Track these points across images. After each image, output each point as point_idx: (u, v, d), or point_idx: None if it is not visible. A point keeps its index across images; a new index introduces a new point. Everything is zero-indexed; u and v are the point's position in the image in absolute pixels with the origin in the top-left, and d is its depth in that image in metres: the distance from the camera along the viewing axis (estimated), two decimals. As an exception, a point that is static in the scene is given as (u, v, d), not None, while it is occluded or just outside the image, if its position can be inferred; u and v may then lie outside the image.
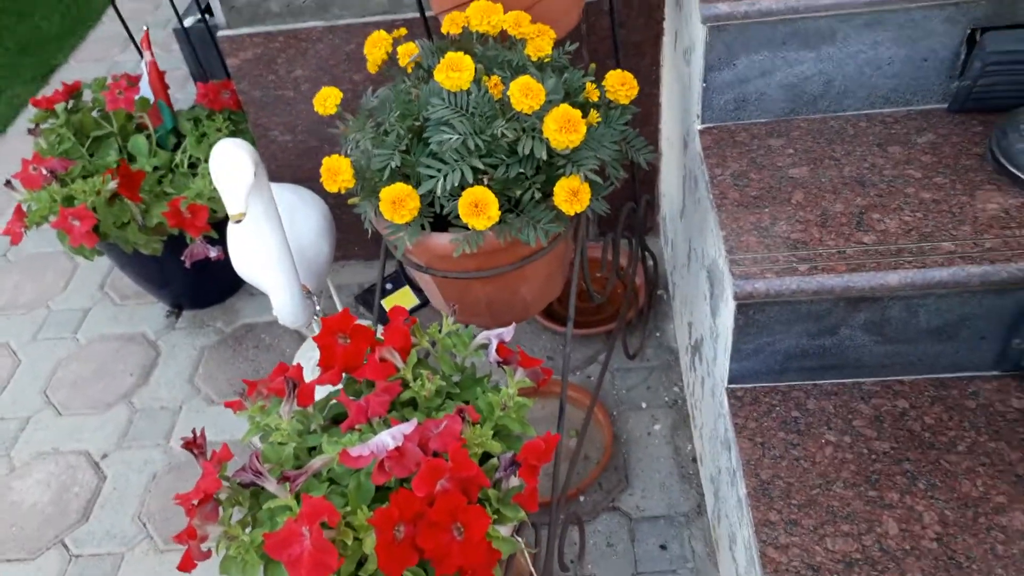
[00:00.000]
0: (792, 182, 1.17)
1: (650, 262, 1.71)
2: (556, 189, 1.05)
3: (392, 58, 1.23)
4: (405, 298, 1.87)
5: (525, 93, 1.01)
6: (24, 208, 1.63)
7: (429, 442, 0.93)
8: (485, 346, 1.12)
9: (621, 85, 1.13)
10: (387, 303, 1.86)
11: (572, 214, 1.07)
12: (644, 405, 1.59)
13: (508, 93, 1.02)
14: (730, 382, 1.17)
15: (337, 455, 0.94)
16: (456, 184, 1.03)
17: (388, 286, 1.88)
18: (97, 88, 1.89)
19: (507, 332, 1.12)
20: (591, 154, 1.07)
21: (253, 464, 0.97)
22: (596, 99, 1.10)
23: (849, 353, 1.12)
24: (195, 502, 0.95)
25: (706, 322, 1.29)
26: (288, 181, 1.86)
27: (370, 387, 1.09)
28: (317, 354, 1.73)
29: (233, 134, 1.85)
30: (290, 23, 1.64)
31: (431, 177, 1.06)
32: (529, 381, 1.08)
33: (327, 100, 1.14)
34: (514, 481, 0.97)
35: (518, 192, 1.09)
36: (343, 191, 1.12)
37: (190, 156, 1.81)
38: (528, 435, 1.07)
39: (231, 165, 1.14)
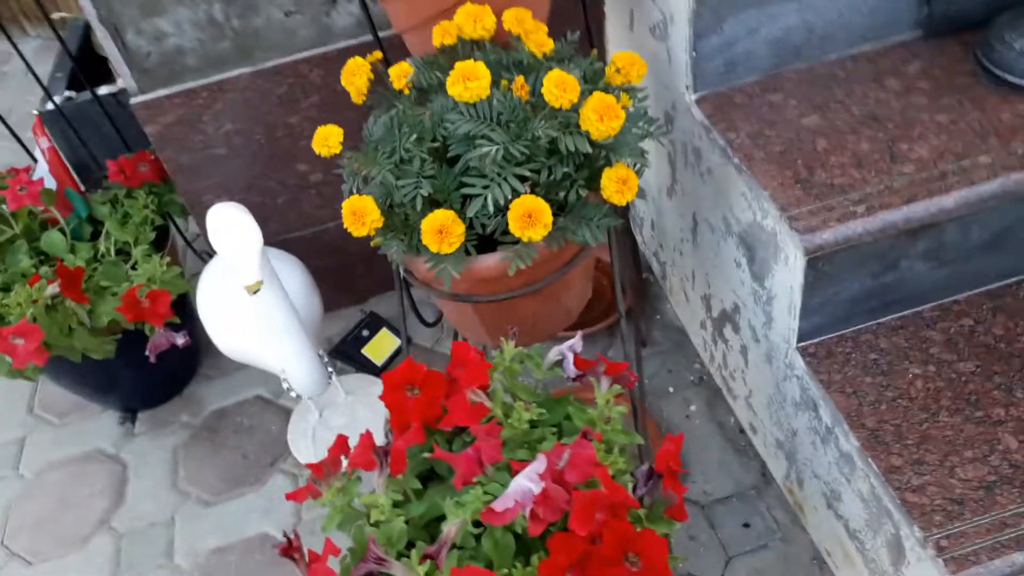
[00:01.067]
0: (810, 132, 1.16)
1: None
2: (605, 181, 1.00)
3: (376, 84, 1.13)
4: (386, 342, 1.75)
5: (561, 87, 0.95)
6: (-57, 340, 1.40)
7: (564, 475, 0.85)
8: (559, 363, 1.04)
9: (631, 65, 1.08)
10: (368, 351, 1.74)
11: (624, 204, 1.01)
12: (671, 389, 1.55)
13: (542, 91, 0.96)
14: (799, 341, 1.15)
15: (467, 517, 0.84)
16: (509, 197, 0.95)
17: (364, 333, 1.76)
18: (-16, 190, 1.66)
19: (576, 342, 1.05)
20: (630, 139, 1.02)
21: (374, 552, 0.85)
22: (619, 83, 1.05)
23: (908, 285, 1.12)
24: (317, 613, 0.83)
25: (743, 289, 1.26)
26: (233, 246, 1.71)
27: (455, 437, 0.99)
28: (312, 419, 1.60)
29: (160, 207, 1.68)
30: (212, 75, 1.49)
31: (475, 196, 0.97)
32: (619, 388, 1.02)
33: (329, 139, 1.03)
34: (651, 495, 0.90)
35: (561, 194, 1.02)
36: (372, 233, 1.01)
37: (115, 242, 1.62)
38: (635, 444, 1.01)
39: (240, 230, 1.02)
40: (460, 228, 0.97)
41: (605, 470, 0.84)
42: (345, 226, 1.01)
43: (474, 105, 0.99)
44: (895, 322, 1.15)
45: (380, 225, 1.00)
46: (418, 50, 1.20)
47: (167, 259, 1.49)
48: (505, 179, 0.96)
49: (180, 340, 1.45)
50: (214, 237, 1.01)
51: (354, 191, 1.10)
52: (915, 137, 1.11)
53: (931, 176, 1.06)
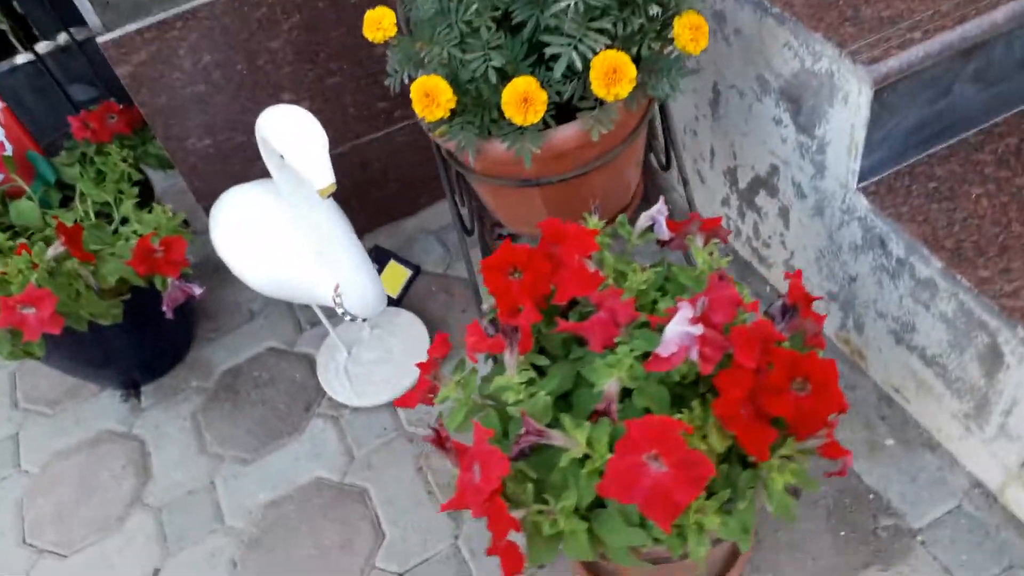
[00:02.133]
0: (839, -27, 1.16)
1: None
2: (678, 29, 0.97)
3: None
4: (397, 272, 1.68)
5: (632, -70, 0.91)
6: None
7: (711, 318, 0.83)
8: (648, 229, 1.02)
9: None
10: (380, 284, 1.67)
11: (698, 52, 0.99)
12: (701, 271, 1.56)
13: (611, -63, 0.92)
14: (860, 181, 1.16)
15: (623, 375, 0.82)
16: (595, 51, 0.91)
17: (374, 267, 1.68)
18: (-69, 166, 1.50)
19: (662, 207, 1.03)
20: (694, -13, 1.00)
21: (531, 425, 0.82)
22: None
23: (957, 111, 1.15)
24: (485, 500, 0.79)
25: (784, 147, 1.26)
26: (220, 189, 1.60)
27: (568, 311, 0.95)
28: (341, 358, 1.53)
29: (138, 160, 1.55)
30: (183, 2, 1.37)
31: (555, 57, 0.93)
32: (717, 242, 1.00)
33: (383, 21, 0.96)
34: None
35: (633, 50, 0.98)
36: (446, 114, 0.95)
37: (94, 203, 1.49)
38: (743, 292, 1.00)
39: (307, 130, 0.94)
40: (544, 95, 0.92)
41: (756, 304, 0.83)
42: (418, 112, 0.95)
43: (535, -36, 0.94)
44: (945, 151, 1.18)
45: (454, 105, 0.95)
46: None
47: (168, 206, 1.38)
48: (585, 34, 0.91)
49: (198, 291, 1.35)
50: (279, 139, 0.93)
51: (404, 82, 1.04)
52: (947, -36, 1.13)
53: (974, -4, 1.07)
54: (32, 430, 1.64)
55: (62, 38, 2.08)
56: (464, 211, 1.37)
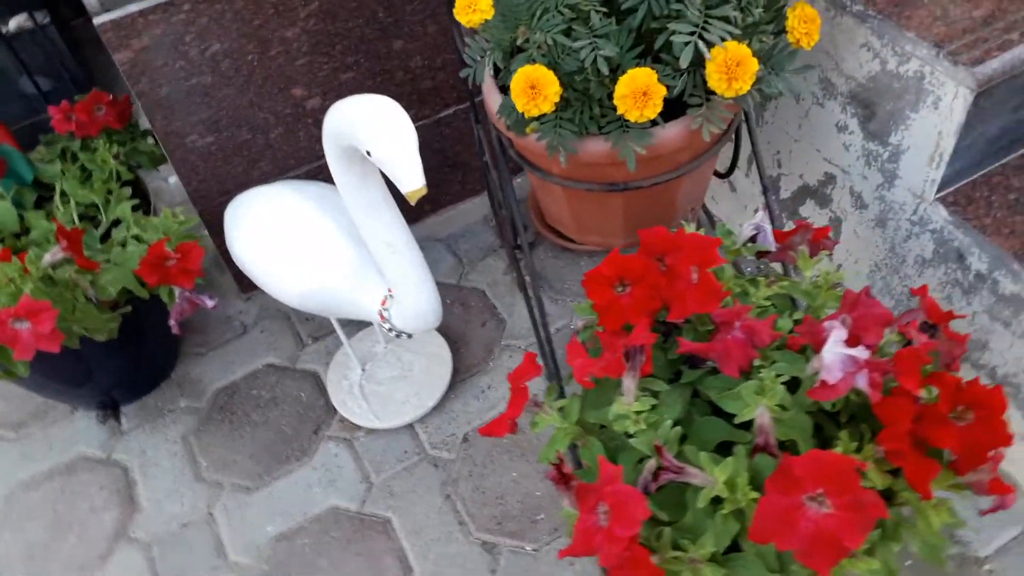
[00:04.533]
0: (918, -25, 1.12)
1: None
2: (792, 23, 0.90)
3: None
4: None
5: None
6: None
7: (861, 338, 0.76)
8: (751, 239, 0.95)
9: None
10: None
11: (810, 47, 0.92)
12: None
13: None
14: (938, 191, 1.11)
15: (770, 404, 0.73)
16: (721, 39, 0.83)
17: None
18: None
19: (764, 216, 0.95)
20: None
21: (669, 460, 0.73)
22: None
23: (1036, 121, 1.11)
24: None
25: (846, 156, 1.21)
26: (219, 191, 1.45)
27: (672, 331, 0.87)
28: (354, 376, 1.41)
29: (129, 155, 1.39)
30: (192, -20, 1.23)
31: (666, 48, 0.85)
32: (828, 252, 0.93)
33: (480, 1, 0.85)
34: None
35: (746, 42, 0.91)
36: (550, 110, 0.85)
37: (77, 205, 1.32)
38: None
39: (402, 122, 0.82)
40: (664, 90, 0.84)
41: (914, 324, 0.76)
42: (519, 106, 0.85)
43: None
44: (1016, 161, 1.15)
45: (557, 99, 0.85)
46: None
47: (181, 209, 1.23)
48: (708, 23, 0.83)
49: (210, 303, 1.20)
50: (368, 133, 0.80)
51: (483, 77, 0.93)
52: (1028, -32, 1.09)
53: (1065, 1, 1.04)
54: (-8, 457, 1.45)
55: (14, 23, 1.89)
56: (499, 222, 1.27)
